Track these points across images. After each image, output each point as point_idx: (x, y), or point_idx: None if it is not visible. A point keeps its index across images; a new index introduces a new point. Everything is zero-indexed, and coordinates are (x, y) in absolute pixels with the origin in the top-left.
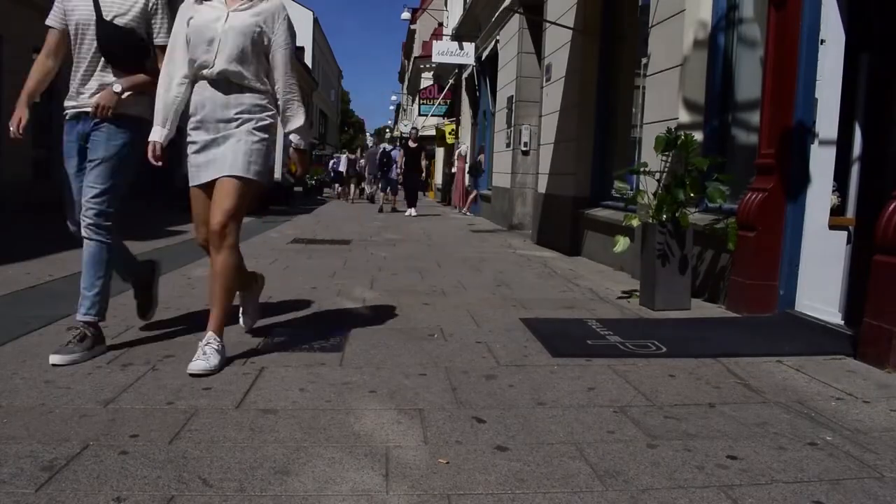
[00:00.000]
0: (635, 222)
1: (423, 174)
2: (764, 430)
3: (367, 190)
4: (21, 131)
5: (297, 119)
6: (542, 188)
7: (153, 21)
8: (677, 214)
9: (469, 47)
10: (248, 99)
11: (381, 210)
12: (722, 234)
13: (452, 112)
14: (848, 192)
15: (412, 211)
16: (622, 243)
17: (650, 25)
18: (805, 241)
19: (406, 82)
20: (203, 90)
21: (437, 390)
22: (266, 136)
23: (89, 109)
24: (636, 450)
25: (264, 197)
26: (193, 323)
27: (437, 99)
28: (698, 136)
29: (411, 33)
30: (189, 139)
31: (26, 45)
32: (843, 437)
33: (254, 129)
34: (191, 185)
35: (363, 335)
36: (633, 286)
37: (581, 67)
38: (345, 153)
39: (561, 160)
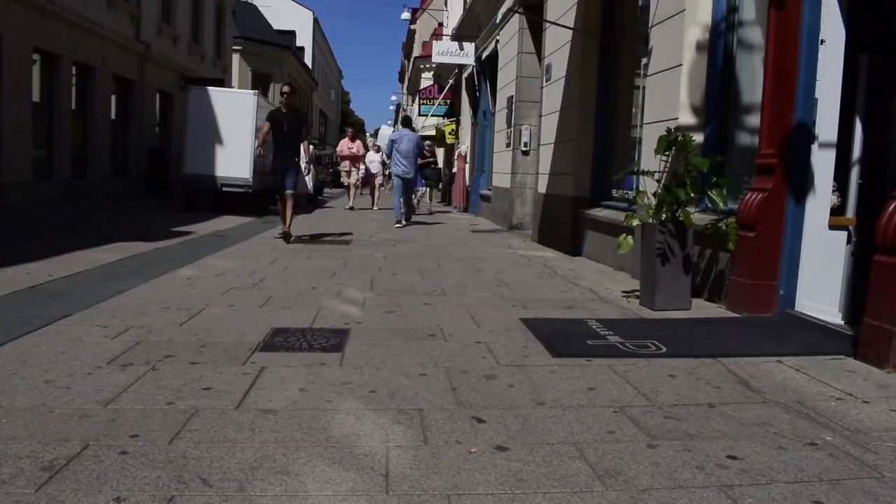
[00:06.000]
0: (636, 222)
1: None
2: (764, 430)
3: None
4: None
5: None
6: (542, 188)
7: None
8: (677, 214)
9: (469, 47)
10: None
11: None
12: (722, 233)
13: (452, 112)
14: (848, 192)
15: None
16: (626, 244)
17: (650, 25)
18: (805, 241)
19: (406, 82)
20: None
21: (437, 390)
22: None
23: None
24: (636, 450)
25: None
26: (193, 323)
27: (437, 99)
28: (698, 136)
29: (411, 33)
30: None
31: (26, 45)
32: (843, 437)
33: None
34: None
35: (363, 335)
36: (633, 286)
37: (581, 67)
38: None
39: (561, 160)
